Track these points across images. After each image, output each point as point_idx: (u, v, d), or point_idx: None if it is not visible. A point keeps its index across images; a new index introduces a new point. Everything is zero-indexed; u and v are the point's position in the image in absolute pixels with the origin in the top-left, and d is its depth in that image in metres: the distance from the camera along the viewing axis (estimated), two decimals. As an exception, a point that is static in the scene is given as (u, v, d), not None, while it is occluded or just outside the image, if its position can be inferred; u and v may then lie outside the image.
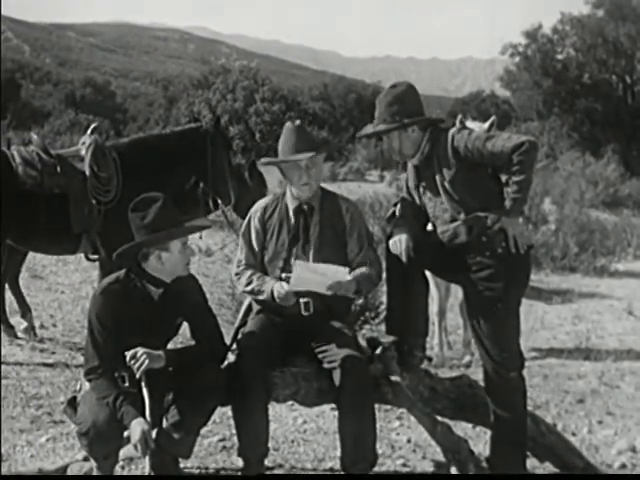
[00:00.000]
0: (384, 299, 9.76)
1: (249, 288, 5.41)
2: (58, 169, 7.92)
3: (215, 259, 14.40)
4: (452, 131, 5.24)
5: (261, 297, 5.37)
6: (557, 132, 43.75)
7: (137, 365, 4.77)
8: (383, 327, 9.55)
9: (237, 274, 5.53)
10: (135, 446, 4.65)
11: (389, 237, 5.48)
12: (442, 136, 5.24)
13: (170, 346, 5.20)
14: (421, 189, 5.42)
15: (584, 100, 45.11)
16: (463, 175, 5.14)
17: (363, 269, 5.40)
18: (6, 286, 8.95)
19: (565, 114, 45.09)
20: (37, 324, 9.16)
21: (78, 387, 5.19)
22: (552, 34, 46.78)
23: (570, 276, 15.06)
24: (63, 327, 9.50)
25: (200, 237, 8.65)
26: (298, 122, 5.48)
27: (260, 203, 5.62)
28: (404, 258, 5.28)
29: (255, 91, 33.65)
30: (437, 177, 5.24)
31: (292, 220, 5.43)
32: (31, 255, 9.35)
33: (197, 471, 5.69)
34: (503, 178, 5.21)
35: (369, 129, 5.43)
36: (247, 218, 5.58)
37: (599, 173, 28.73)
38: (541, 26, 46.55)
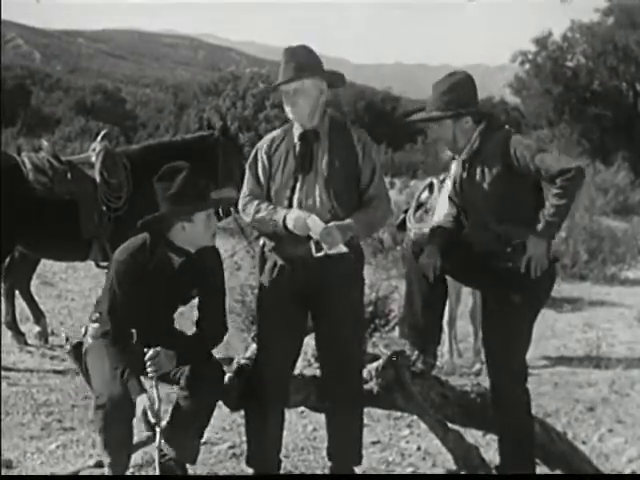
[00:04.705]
0: (394, 307, 9.81)
1: (258, 216, 5.09)
2: (69, 175, 7.94)
3: (225, 266, 14.30)
4: (506, 131, 5.16)
5: (268, 227, 5.10)
6: (567, 139, 43.65)
7: (154, 368, 4.80)
8: (393, 334, 9.59)
9: (244, 205, 5.23)
10: (142, 422, 4.72)
11: (418, 249, 5.39)
12: (494, 134, 5.15)
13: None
14: (460, 186, 5.32)
15: (594, 107, 45.10)
16: (504, 181, 5.04)
17: (360, 214, 5.06)
18: (16, 293, 8.98)
19: (575, 121, 45.04)
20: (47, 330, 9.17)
21: (83, 331, 5.21)
22: (562, 41, 46.79)
23: (580, 284, 14.99)
24: (73, 334, 9.49)
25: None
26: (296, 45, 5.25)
27: (267, 136, 5.37)
28: (431, 276, 5.24)
29: (266, 98, 33.66)
30: (478, 176, 5.13)
31: (297, 147, 5.15)
32: (41, 262, 9.37)
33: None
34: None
35: (422, 114, 5.36)
36: (254, 150, 5.31)
37: (609, 180, 28.68)
38: (551, 33, 46.60)
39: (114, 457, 4.88)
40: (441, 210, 7.61)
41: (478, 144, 5.15)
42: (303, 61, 5.05)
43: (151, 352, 4.81)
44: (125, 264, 4.94)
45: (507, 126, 5.31)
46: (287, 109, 5.12)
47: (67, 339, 5.46)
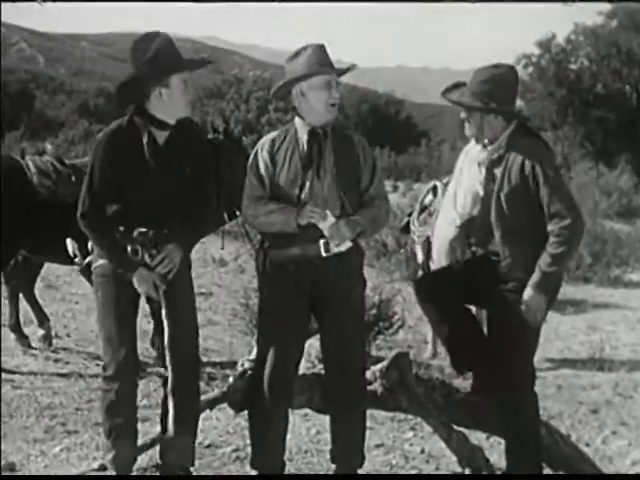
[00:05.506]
0: (397, 309, 9.81)
1: (265, 216, 5.02)
2: (72, 179, 7.93)
3: (229, 269, 14.40)
4: (534, 141, 5.00)
5: (276, 227, 5.02)
6: (570, 142, 43.67)
7: (168, 268, 4.87)
8: (396, 337, 9.60)
9: (247, 207, 5.14)
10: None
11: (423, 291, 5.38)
12: (523, 140, 4.95)
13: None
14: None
15: (597, 110, 45.12)
16: (522, 197, 4.85)
17: (366, 211, 5.07)
18: (20, 296, 8.98)
19: (578, 124, 45.07)
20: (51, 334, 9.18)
21: (90, 247, 5.25)
22: (565, 44, 46.82)
23: (584, 286, 14.97)
24: (77, 337, 9.51)
25: (222, 247, 8.65)
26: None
27: (267, 136, 5.28)
28: (459, 255, 5.18)
29: (269, 101, 33.63)
30: (497, 185, 4.95)
31: (305, 144, 5.05)
32: (45, 265, 9.36)
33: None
34: None
35: (455, 96, 5.17)
36: (254, 150, 5.21)
37: (613, 183, 28.73)
38: (554, 36, 46.65)
39: (118, 449, 4.89)
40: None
41: (505, 144, 4.97)
42: None
43: (154, 254, 4.88)
44: (104, 144, 4.90)
45: (538, 135, 5.19)
46: (330, 101, 5.01)
47: (75, 256, 5.49)
